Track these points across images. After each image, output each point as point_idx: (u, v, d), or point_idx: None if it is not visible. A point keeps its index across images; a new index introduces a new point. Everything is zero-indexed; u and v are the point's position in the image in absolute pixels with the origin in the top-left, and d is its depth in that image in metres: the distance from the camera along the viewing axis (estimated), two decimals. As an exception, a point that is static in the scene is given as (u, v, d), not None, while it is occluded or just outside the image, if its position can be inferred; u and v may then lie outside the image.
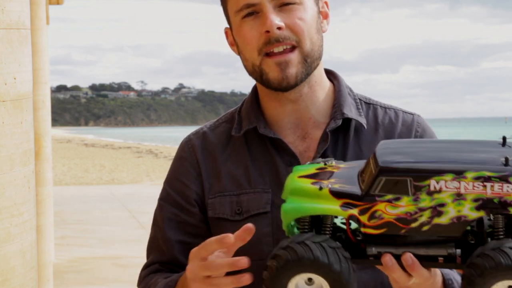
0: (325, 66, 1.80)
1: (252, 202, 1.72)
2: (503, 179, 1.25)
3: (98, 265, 9.16)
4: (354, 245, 1.36)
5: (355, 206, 1.32)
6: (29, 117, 1.92)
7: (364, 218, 1.31)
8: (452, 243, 1.32)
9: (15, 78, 1.86)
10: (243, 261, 1.45)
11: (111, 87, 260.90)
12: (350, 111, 1.75)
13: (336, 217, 1.41)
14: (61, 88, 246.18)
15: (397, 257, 1.34)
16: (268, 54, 1.67)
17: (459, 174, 1.26)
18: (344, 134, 1.75)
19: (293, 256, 1.29)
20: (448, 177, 1.26)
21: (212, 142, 1.80)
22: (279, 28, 1.65)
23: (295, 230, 1.38)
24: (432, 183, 1.27)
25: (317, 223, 1.38)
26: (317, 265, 1.28)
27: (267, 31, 1.65)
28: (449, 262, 1.34)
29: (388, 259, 1.32)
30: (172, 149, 42.50)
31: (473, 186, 1.26)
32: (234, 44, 1.76)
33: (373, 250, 1.34)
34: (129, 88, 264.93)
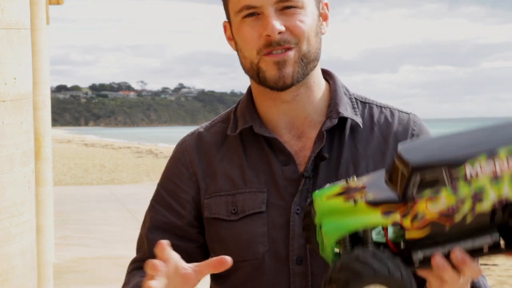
0: (324, 66, 1.80)
1: (247, 201, 1.71)
2: None
3: (98, 265, 9.16)
4: (396, 255, 1.31)
5: (395, 211, 1.28)
6: (29, 117, 1.92)
7: (406, 222, 1.28)
8: (495, 229, 1.29)
9: (15, 78, 1.86)
10: None
11: (111, 87, 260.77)
12: (346, 110, 1.75)
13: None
14: (61, 88, 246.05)
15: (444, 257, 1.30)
16: (267, 54, 1.67)
17: (491, 153, 1.24)
18: (339, 133, 1.74)
19: (351, 275, 1.24)
20: (482, 158, 1.24)
21: (207, 142, 1.79)
22: (280, 33, 1.65)
23: (334, 252, 1.34)
24: (468, 168, 1.24)
25: (356, 242, 1.34)
26: (379, 278, 1.24)
27: (268, 35, 1.65)
28: (494, 249, 1.30)
29: (438, 260, 1.29)
30: (172, 149, 42.45)
31: (509, 164, 1.24)
32: (232, 39, 1.76)
33: (419, 255, 1.30)
34: (129, 88, 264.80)
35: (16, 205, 1.84)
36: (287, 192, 1.70)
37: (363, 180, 1.39)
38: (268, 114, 1.76)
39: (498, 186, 1.25)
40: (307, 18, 1.68)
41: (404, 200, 1.28)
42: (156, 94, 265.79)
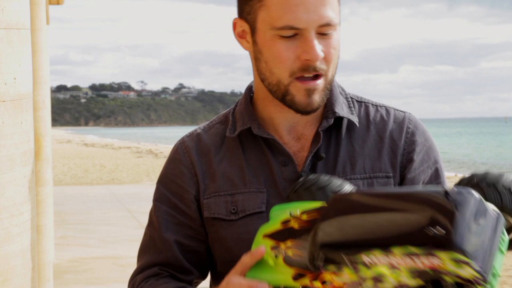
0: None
1: (247, 201, 1.72)
2: (428, 253, 1.27)
3: (98, 265, 9.16)
4: None
5: (305, 275, 1.41)
6: (29, 117, 1.92)
7: (317, 284, 1.39)
8: None
9: (15, 78, 1.86)
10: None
11: (111, 87, 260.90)
12: (342, 109, 1.75)
13: None
14: (61, 88, 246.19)
15: None
16: (299, 78, 1.65)
17: (385, 249, 1.30)
18: (336, 132, 1.75)
19: None
20: (377, 252, 1.31)
21: (206, 143, 1.79)
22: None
23: None
24: (364, 257, 1.32)
25: None
26: None
27: (308, 60, 1.63)
28: None
29: None
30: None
31: (404, 260, 1.29)
32: (244, 38, 1.72)
33: None
34: (129, 88, 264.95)
35: (16, 205, 1.84)
36: (286, 192, 1.70)
37: (303, 218, 1.48)
38: (268, 117, 1.76)
39: (397, 274, 1.31)
40: (337, 43, 1.67)
41: (312, 268, 1.40)
42: (156, 94, 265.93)
